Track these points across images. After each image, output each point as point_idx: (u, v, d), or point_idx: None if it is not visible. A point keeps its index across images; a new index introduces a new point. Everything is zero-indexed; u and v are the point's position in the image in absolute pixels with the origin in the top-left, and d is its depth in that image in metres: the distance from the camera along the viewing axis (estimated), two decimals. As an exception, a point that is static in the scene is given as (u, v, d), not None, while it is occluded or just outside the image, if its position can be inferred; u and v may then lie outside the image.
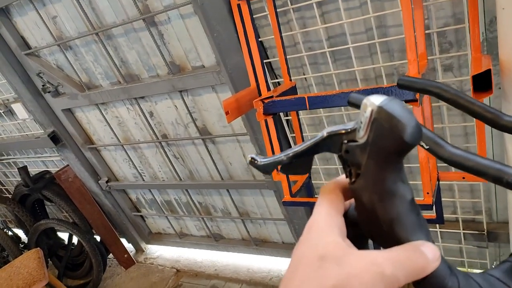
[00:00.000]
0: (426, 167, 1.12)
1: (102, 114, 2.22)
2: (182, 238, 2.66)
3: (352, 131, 0.34)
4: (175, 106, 1.97)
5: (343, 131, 0.35)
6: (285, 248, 2.23)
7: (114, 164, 2.51)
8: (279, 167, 0.39)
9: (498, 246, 1.63)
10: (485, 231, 1.55)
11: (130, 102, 2.09)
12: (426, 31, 1.25)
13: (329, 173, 1.80)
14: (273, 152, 1.41)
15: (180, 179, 2.29)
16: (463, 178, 1.26)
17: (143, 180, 2.46)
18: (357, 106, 0.39)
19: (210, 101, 1.86)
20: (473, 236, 1.60)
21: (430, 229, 0.45)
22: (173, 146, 2.17)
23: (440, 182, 1.32)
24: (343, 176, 0.38)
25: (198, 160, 2.15)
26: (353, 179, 0.35)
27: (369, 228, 0.35)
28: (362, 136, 0.32)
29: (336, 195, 0.37)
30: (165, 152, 2.19)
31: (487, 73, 0.97)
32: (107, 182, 2.52)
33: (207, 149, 2.03)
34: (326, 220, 0.35)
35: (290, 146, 1.74)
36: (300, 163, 0.39)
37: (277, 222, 2.17)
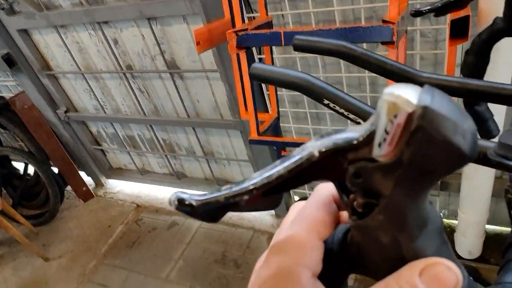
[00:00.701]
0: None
1: (62, 38, 2.05)
2: (144, 174, 2.63)
3: (363, 143, 0.22)
4: (142, 35, 1.85)
5: (348, 146, 0.22)
6: (247, 189, 2.27)
7: (74, 93, 2.37)
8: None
9: (448, 195, 1.73)
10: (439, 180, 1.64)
11: (92, 26, 1.94)
12: (410, -26, 1.21)
13: (298, 117, 1.80)
14: (243, 91, 1.38)
15: (145, 114, 2.21)
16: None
17: (105, 112, 2.36)
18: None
19: (181, 32, 1.76)
20: (426, 185, 1.68)
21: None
22: (138, 78, 2.07)
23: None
24: None
25: (164, 95, 2.07)
26: (359, 211, 0.23)
27: (379, 271, 0.24)
28: (386, 153, 0.21)
29: (327, 213, 0.26)
30: (130, 85, 2.09)
31: (465, 19, 0.96)
32: (65, 112, 2.40)
33: (174, 84, 1.95)
34: (299, 250, 0.24)
35: (261, 86, 1.71)
36: (262, 201, 0.24)
37: (241, 163, 2.19)
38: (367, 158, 0.22)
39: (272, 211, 2.22)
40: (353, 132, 0.22)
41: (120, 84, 2.15)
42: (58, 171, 2.60)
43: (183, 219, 2.40)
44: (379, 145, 0.21)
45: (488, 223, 1.58)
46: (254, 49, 1.59)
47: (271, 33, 1.13)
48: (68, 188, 2.74)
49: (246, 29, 1.18)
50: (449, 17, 0.99)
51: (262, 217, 2.24)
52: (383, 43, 1.01)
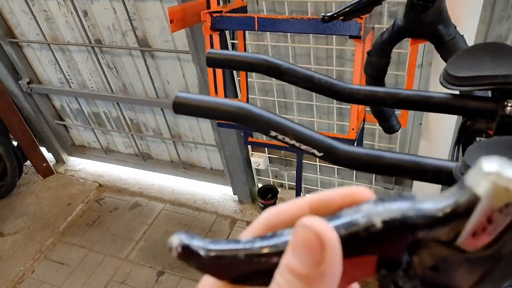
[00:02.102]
0: (356, 107, 1.19)
1: (28, 4, 1.96)
2: (108, 153, 2.59)
3: (443, 221, 0.17)
4: (114, 9, 1.81)
5: (422, 222, 0.17)
6: (212, 174, 2.29)
7: (38, 65, 2.29)
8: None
9: (402, 189, 1.83)
10: (394, 174, 1.72)
11: (62, -4, 1.88)
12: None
13: (266, 105, 1.83)
14: (214, 76, 1.39)
15: (112, 91, 2.17)
16: (386, 122, 1.36)
17: (70, 87, 2.29)
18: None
19: (154, 10, 1.73)
20: (383, 177, 1.77)
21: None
22: (107, 54, 2.02)
23: (365, 126, 1.42)
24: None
25: (133, 74, 2.04)
26: None
27: None
28: (481, 244, 0.16)
29: None
30: (98, 60, 2.04)
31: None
32: (28, 83, 2.30)
33: (145, 62, 1.92)
34: None
35: (232, 73, 1.72)
36: None
37: (208, 148, 2.20)
38: (445, 242, 0.17)
39: (236, 196, 2.26)
40: (427, 203, 0.17)
41: (88, 58, 2.09)
42: (18, 144, 2.51)
43: (146, 200, 2.39)
44: (474, 233, 0.16)
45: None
46: (227, 33, 1.60)
47: (246, 18, 1.15)
48: (27, 163, 2.65)
49: (221, 12, 1.19)
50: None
51: (226, 202, 2.27)
52: (351, 36, 1.05)
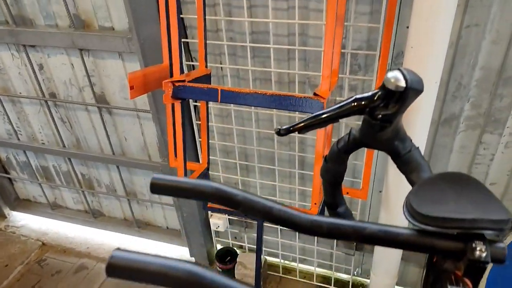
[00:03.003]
0: (319, 181, 1.18)
1: (-23, 54, 1.86)
2: (54, 209, 2.40)
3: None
4: (72, 64, 1.75)
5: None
6: (168, 234, 2.17)
7: (-16, 114, 2.13)
8: None
9: (362, 255, 1.81)
10: (355, 241, 1.71)
11: (17, 48, 1.79)
12: (342, 50, 1.30)
13: (228, 166, 1.79)
14: (174, 138, 1.35)
15: (64, 146, 2.05)
16: (347, 193, 1.36)
17: (18, 139, 2.14)
18: None
19: (114, 68, 1.69)
20: (344, 244, 1.75)
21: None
22: (62, 108, 1.93)
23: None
24: None
25: (88, 129, 1.95)
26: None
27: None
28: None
29: None
30: (51, 113, 1.94)
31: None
32: (-30, 133, 2.13)
33: (101, 118, 1.85)
34: None
35: (194, 133, 1.68)
36: None
37: (165, 207, 2.10)
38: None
39: (193, 258, 2.14)
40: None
41: (40, 111, 1.98)
42: (-50, 198, 2.27)
43: (93, 262, 2.21)
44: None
45: (397, 284, 1.67)
46: (192, 111, 1.59)
47: (209, 89, 1.13)
48: (-40, 218, 2.40)
49: (184, 81, 1.17)
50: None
51: (182, 265, 2.14)
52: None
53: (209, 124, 1.49)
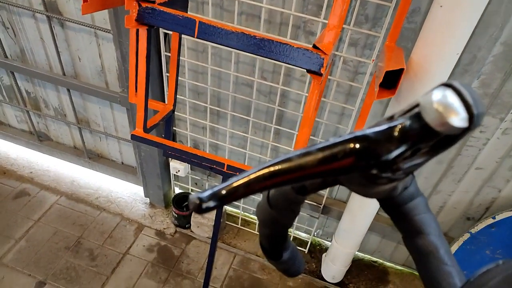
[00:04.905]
0: (304, 145, 1.02)
1: None
2: (-6, 125, 2.12)
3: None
4: (16, -45, 1.40)
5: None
6: (123, 170, 1.99)
7: None
8: None
9: (326, 218, 1.74)
10: (322, 204, 1.62)
11: None
12: (351, -5, 1.08)
13: (196, 108, 1.58)
14: (136, 69, 1.12)
15: (6, 56, 1.74)
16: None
17: (-51, 39, 1.79)
18: None
19: (70, -31, 1.37)
20: (310, 206, 1.66)
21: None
22: (3, 10, 1.59)
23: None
24: None
25: (35, 40, 1.64)
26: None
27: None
28: None
29: None
30: (-11, 14, 1.60)
31: (399, 72, 0.88)
32: None
33: (51, 30, 1.54)
34: None
35: (161, 66, 1.44)
36: None
37: (122, 142, 1.89)
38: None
39: (147, 199, 2.00)
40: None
41: (-24, 9, 1.63)
42: None
43: (36, 189, 2.01)
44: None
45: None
46: (162, 40, 1.32)
47: (185, 19, 0.89)
48: None
49: (154, 2, 0.92)
50: (385, 64, 0.89)
51: (134, 204, 2.00)
52: (309, 71, 0.87)
53: (180, 58, 1.25)
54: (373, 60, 1.17)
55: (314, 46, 0.86)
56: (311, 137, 1.43)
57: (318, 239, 1.89)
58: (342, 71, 1.28)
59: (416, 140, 0.23)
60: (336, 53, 1.20)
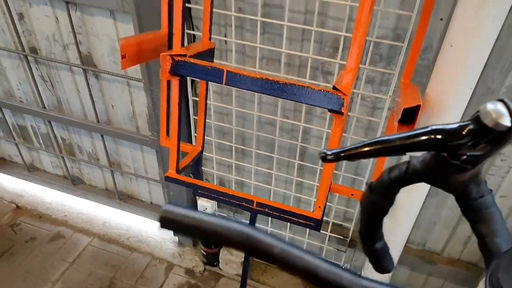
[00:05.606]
0: (328, 179, 1.06)
1: None
2: (32, 172, 2.25)
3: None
4: (56, 18, 1.55)
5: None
6: (151, 209, 2.06)
7: (-45, 63, 1.92)
8: None
9: (353, 252, 1.74)
10: (349, 238, 1.64)
11: (-7, -8, 1.58)
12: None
13: (222, 148, 1.66)
14: (167, 115, 1.21)
15: (44, 107, 1.88)
16: (352, 194, 1.25)
17: (-7, 94, 1.95)
18: None
19: (104, 27, 1.51)
20: (337, 239, 1.67)
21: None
22: (43, 65, 1.74)
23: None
24: None
25: (72, 91, 1.77)
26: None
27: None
28: None
29: None
30: (31, 69, 1.75)
31: (416, 109, 0.93)
32: None
33: (87, 81, 1.67)
34: None
35: (189, 110, 1.54)
36: None
37: (151, 182, 1.97)
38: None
39: (175, 238, 2.05)
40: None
41: (19, 66, 1.79)
42: None
43: (70, 231, 2.09)
44: None
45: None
46: (189, 86, 1.43)
47: (214, 69, 0.98)
48: None
49: (185, 55, 1.02)
50: (402, 102, 0.94)
51: (163, 243, 2.05)
52: (330, 110, 0.93)
53: (207, 102, 1.34)
54: (389, 96, 1.22)
55: (334, 88, 0.92)
56: (334, 171, 1.47)
57: (347, 273, 1.88)
58: (361, 106, 1.34)
59: (475, 135, 0.35)
60: (354, 90, 1.27)
